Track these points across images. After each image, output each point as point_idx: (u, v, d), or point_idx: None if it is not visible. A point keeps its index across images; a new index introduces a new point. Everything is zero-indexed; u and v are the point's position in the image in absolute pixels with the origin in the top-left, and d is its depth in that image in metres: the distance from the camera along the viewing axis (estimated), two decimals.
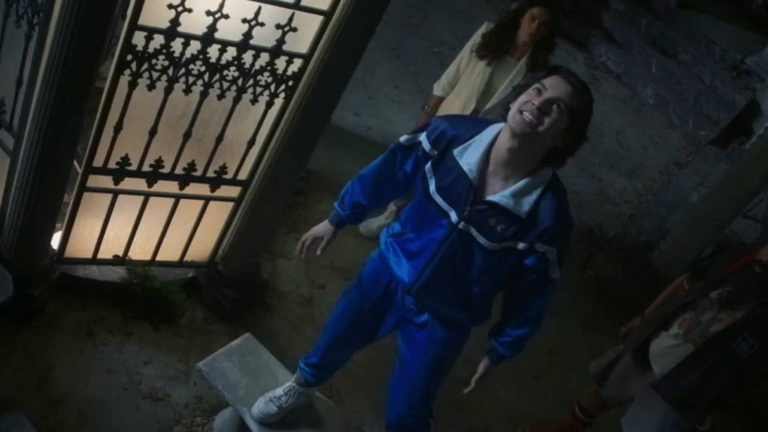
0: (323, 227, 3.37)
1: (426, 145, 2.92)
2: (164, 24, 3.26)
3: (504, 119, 2.80)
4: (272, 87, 3.67)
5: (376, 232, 5.38)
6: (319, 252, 3.37)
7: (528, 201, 2.77)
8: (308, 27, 3.52)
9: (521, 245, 2.82)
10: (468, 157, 2.80)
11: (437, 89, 5.04)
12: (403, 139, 3.05)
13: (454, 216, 2.85)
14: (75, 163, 3.79)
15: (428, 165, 2.91)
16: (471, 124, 2.90)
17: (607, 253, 6.57)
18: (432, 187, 2.89)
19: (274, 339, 4.57)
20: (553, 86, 2.69)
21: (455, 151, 2.83)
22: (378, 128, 6.56)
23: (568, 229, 2.90)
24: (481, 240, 2.84)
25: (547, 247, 2.83)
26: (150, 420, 3.98)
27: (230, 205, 4.19)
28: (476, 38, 4.79)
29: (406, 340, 3.22)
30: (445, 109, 5.00)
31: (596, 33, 9.46)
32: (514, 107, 2.71)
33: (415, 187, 3.01)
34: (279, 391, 3.65)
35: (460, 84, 4.87)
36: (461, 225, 2.85)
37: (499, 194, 2.78)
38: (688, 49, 9.35)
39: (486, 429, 4.80)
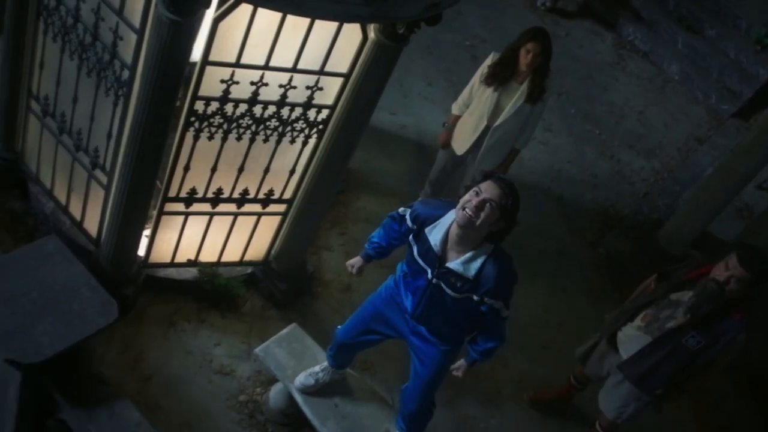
0: (356, 259, 4.43)
1: (409, 222, 3.95)
2: (218, 93, 4.19)
3: None
4: (306, 131, 4.59)
5: None
6: (355, 273, 4.42)
7: (473, 267, 3.75)
8: (332, 85, 4.41)
9: (475, 297, 3.82)
10: (435, 235, 3.81)
11: (455, 109, 5.89)
12: (400, 210, 4.06)
13: (429, 274, 3.86)
14: (158, 182, 4.75)
15: (411, 237, 3.94)
16: (439, 209, 3.88)
17: (618, 231, 7.31)
18: (415, 252, 3.91)
19: (319, 322, 5.57)
20: (487, 189, 3.62)
21: (427, 230, 3.85)
22: (412, 126, 7.40)
23: (510, 283, 3.87)
24: (449, 291, 3.85)
25: (492, 300, 3.82)
26: (220, 391, 5.03)
27: (278, 218, 5.15)
28: (484, 68, 5.60)
29: (417, 356, 4.23)
30: (461, 126, 5.86)
31: (625, 13, 10.01)
32: (459, 204, 3.65)
33: (407, 247, 4.01)
34: (317, 368, 4.66)
35: (473, 105, 5.72)
36: (434, 281, 3.86)
37: (453, 262, 3.78)
38: (714, 25, 9.82)
39: (497, 393, 5.73)
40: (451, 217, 3.78)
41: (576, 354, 5.26)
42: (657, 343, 4.61)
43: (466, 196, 3.65)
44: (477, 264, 3.75)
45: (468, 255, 3.75)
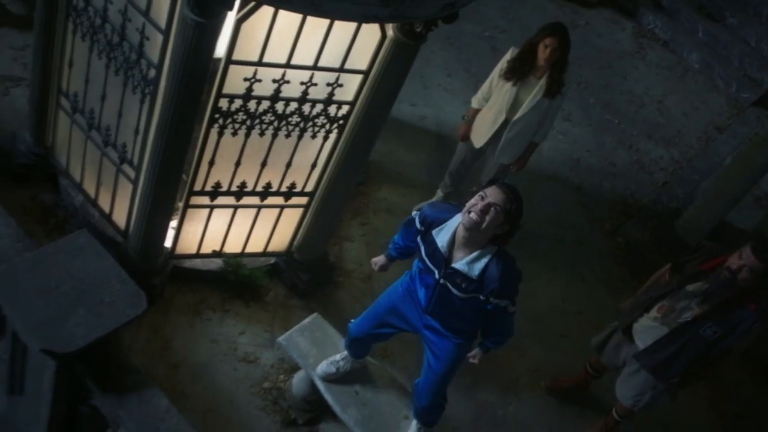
0: (380, 258, 4.60)
1: (417, 224, 4.08)
2: (241, 91, 4.33)
3: None
4: (327, 126, 4.71)
5: None
6: (377, 270, 4.62)
7: (478, 267, 3.87)
8: (352, 82, 4.53)
9: (481, 297, 3.94)
10: (442, 237, 3.94)
11: (474, 102, 5.99)
12: (413, 214, 4.22)
13: (437, 274, 3.99)
14: (183, 175, 4.90)
15: (419, 238, 4.07)
16: (446, 212, 4.02)
17: (637, 220, 7.37)
18: (423, 253, 4.05)
19: (341, 310, 5.70)
20: (492, 194, 3.75)
21: (434, 232, 3.97)
22: (432, 117, 7.49)
23: (515, 282, 3.97)
24: (455, 291, 3.97)
25: (497, 300, 3.94)
26: (245, 378, 5.19)
27: (300, 210, 5.29)
28: (503, 63, 5.68)
29: (431, 350, 4.35)
30: (480, 119, 5.96)
31: (645, 2, 10.02)
32: (466, 208, 3.79)
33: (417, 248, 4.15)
34: (337, 356, 4.79)
35: (492, 99, 5.81)
36: (441, 281, 3.99)
37: (459, 262, 3.90)
38: (735, 12, 9.83)
39: (515, 381, 5.85)
40: (457, 220, 3.91)
41: (592, 343, 5.36)
42: (674, 333, 4.70)
43: (472, 200, 3.79)
44: (481, 264, 3.87)
45: (473, 255, 3.87)
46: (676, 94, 9.17)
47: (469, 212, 3.76)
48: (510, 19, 9.01)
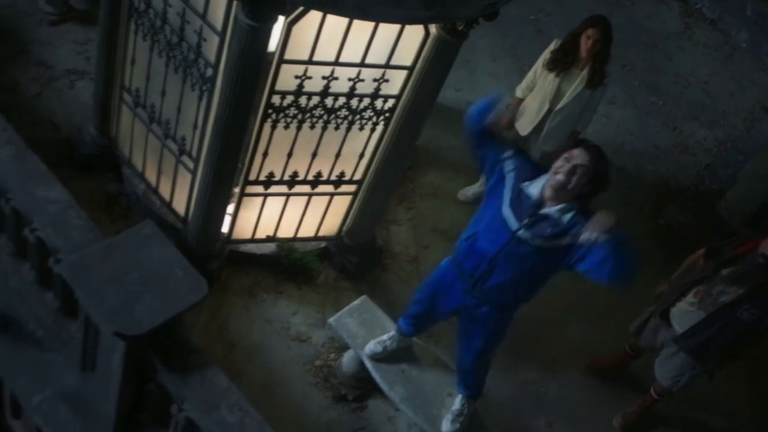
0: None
1: (507, 153, 4.14)
2: (293, 88, 4.58)
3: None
4: (374, 119, 4.95)
5: (471, 198, 6.64)
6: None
7: (567, 216, 3.92)
8: (397, 77, 4.75)
9: (565, 241, 3.92)
10: (532, 189, 4.00)
11: (518, 92, 6.16)
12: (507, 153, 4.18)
13: (516, 225, 4.02)
14: (240, 164, 5.16)
15: (503, 188, 4.09)
16: (534, 171, 4.07)
17: (679, 202, 7.45)
18: (505, 203, 4.06)
19: (388, 292, 5.96)
20: (578, 156, 3.87)
21: (523, 185, 4.03)
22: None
23: None
24: (535, 241, 3.98)
25: (587, 234, 3.80)
26: (298, 356, 5.49)
27: (349, 197, 5.55)
28: (546, 54, 5.83)
29: (471, 329, 4.50)
30: (524, 108, 6.12)
31: None
32: (552, 169, 3.90)
33: (490, 202, 4.18)
34: (385, 336, 5.06)
35: (536, 89, 5.98)
36: (520, 232, 4.01)
37: (550, 209, 3.97)
38: None
39: (556, 359, 6.04)
40: (543, 179, 3.99)
41: (630, 329, 5.54)
42: (711, 317, 4.86)
43: (558, 162, 3.90)
44: (570, 215, 3.92)
45: (562, 205, 3.93)
46: (723, 74, 9.15)
47: (556, 173, 3.88)
48: (555, 2, 9.06)
